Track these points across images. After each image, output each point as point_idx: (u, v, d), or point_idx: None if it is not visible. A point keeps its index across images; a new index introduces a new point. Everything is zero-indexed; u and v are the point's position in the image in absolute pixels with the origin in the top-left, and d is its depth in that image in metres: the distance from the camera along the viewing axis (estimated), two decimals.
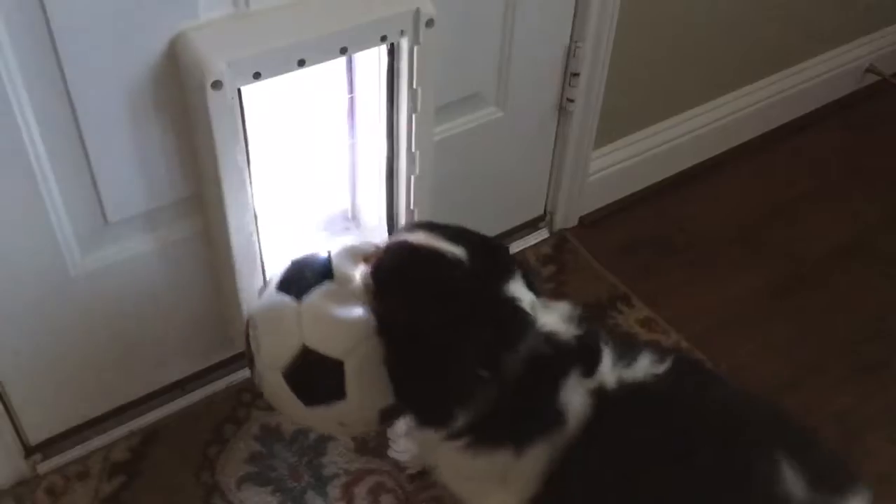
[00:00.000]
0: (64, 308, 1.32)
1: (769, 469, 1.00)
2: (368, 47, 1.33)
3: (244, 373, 1.61)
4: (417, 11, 1.31)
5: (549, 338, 1.10)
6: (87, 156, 1.21)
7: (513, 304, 1.09)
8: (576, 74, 1.69)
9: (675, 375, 1.10)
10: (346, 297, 1.14)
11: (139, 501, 1.42)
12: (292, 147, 1.51)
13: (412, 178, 1.50)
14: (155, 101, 1.22)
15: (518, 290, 1.11)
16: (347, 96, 1.49)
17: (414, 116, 1.42)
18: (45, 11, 1.07)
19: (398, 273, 1.11)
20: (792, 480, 1.00)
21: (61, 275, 1.29)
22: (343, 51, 1.29)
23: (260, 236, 1.40)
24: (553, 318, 1.13)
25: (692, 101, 2.01)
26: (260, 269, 1.43)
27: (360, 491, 1.45)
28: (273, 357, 1.15)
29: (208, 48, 1.18)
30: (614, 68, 1.72)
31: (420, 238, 1.11)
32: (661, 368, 1.10)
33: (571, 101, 1.72)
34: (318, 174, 1.57)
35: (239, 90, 1.23)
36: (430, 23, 1.33)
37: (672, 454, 1.05)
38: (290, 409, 1.19)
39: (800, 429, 1.12)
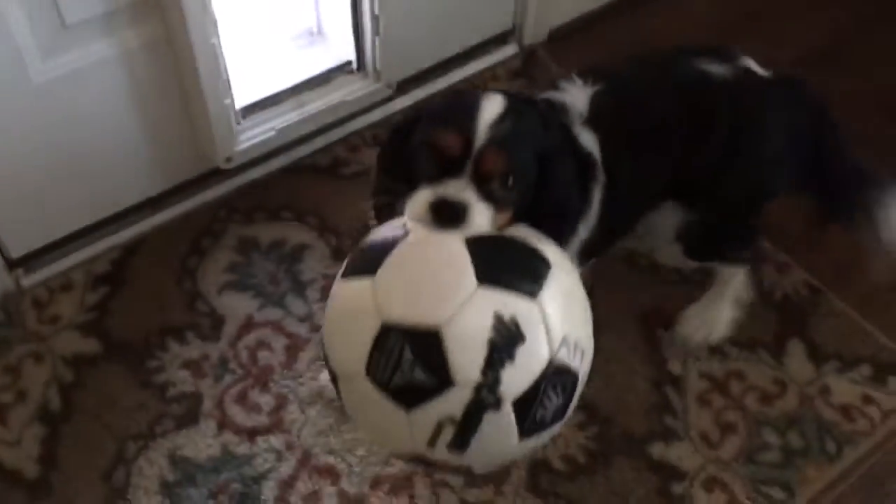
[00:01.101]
0: (29, 117, 1.32)
1: (698, 65, 1.20)
2: None
3: (220, 189, 1.63)
4: None
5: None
6: None
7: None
8: None
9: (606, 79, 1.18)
10: (433, 245, 0.93)
11: (124, 309, 1.47)
12: None
13: None
14: None
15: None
16: None
17: None
18: None
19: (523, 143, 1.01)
20: (714, 66, 1.20)
21: (23, 82, 1.28)
22: None
23: (223, 47, 1.39)
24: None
25: None
26: (226, 80, 1.43)
27: None
28: (347, 358, 0.92)
29: None
30: None
31: (489, 115, 0.99)
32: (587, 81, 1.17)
33: None
34: None
35: None
36: None
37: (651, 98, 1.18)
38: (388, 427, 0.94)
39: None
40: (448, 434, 0.90)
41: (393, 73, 1.64)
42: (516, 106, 1.01)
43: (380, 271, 0.92)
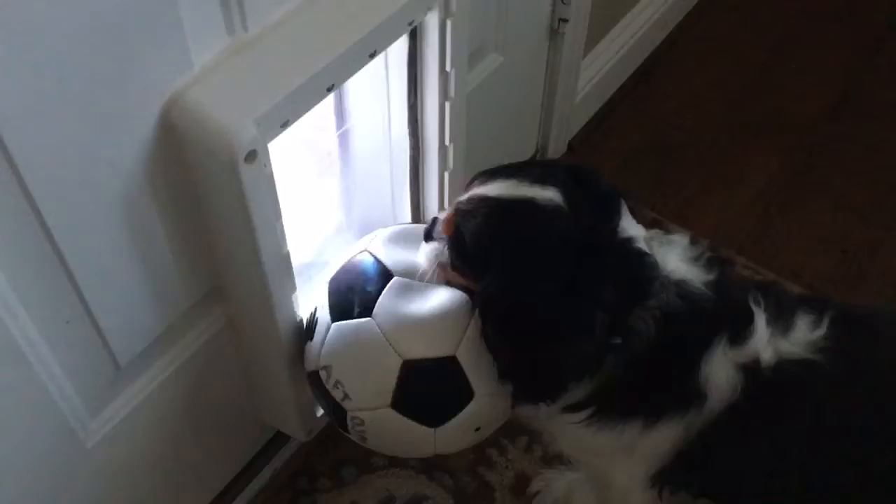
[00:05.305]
0: (89, 484, 0.97)
1: None
2: (395, 40, 0.99)
3: (286, 452, 1.31)
4: None
5: (681, 289, 0.87)
6: (85, 304, 0.84)
7: (634, 250, 0.87)
8: None
9: (836, 342, 0.89)
10: (419, 288, 0.97)
11: None
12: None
13: (445, 174, 1.19)
14: (153, 200, 0.86)
15: (630, 227, 0.89)
16: (336, 133, 1.14)
17: (447, 105, 1.11)
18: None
19: (486, 237, 0.88)
20: None
21: (77, 451, 0.93)
22: (372, 55, 0.95)
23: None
24: (675, 259, 0.89)
25: None
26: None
27: None
28: (372, 394, 0.96)
29: (224, 108, 0.82)
30: None
31: (499, 188, 0.88)
32: (819, 332, 0.89)
33: (565, 20, 1.44)
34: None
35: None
36: None
37: (843, 457, 0.92)
38: (416, 445, 0.99)
39: None
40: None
41: None
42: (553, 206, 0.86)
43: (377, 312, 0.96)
